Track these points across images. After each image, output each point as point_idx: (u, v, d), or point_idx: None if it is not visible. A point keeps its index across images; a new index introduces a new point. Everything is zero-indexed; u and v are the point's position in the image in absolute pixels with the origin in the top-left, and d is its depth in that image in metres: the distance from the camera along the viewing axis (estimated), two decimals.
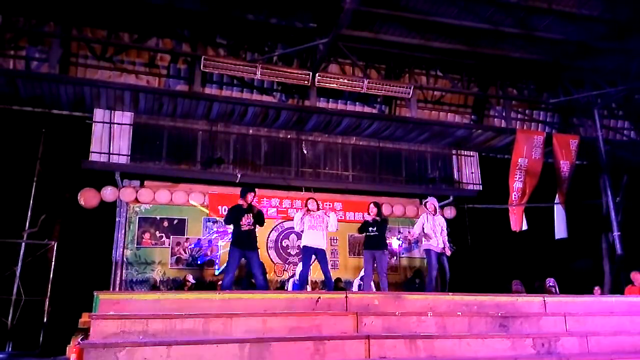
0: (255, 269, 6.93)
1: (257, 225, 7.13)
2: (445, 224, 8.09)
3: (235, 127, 10.80)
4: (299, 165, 11.13)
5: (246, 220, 6.97)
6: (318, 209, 7.71)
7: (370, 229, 7.86)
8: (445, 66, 11.68)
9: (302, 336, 4.87)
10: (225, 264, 7.92)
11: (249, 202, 7.11)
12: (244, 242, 6.95)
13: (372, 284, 8.39)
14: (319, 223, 7.60)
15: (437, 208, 8.15)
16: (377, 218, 7.91)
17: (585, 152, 11.91)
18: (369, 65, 11.33)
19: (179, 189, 10.48)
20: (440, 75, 11.90)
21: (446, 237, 7.92)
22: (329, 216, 7.74)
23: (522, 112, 12.83)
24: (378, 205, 8.07)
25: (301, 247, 7.72)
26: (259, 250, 7.15)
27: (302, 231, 7.66)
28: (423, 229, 7.90)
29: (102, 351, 4.19)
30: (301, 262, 7.86)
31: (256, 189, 7.48)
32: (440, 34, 10.03)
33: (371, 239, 7.85)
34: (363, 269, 8.44)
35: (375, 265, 7.81)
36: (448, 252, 7.87)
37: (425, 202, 8.34)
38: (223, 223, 8.86)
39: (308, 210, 7.63)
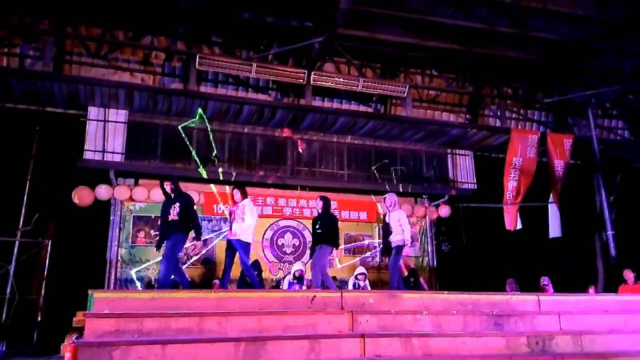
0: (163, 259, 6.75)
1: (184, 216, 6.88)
2: (403, 218, 7.70)
3: (230, 126, 10.79)
4: (295, 163, 11.13)
5: (173, 211, 6.85)
6: (243, 197, 7.31)
7: (316, 227, 7.49)
8: (441, 65, 11.71)
9: (297, 335, 4.87)
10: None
11: (169, 193, 7.06)
12: (166, 233, 6.84)
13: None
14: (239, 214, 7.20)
15: (395, 204, 7.84)
16: (321, 212, 7.55)
17: (579, 151, 11.96)
18: (364, 64, 11.34)
19: None
20: (436, 75, 11.93)
21: (409, 232, 7.57)
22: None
23: (517, 111, 12.89)
24: (324, 199, 7.67)
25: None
26: (180, 236, 6.79)
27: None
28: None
29: (97, 350, 4.17)
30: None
31: (177, 179, 7.32)
32: (436, 34, 10.05)
33: (315, 236, 7.50)
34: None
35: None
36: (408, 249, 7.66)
37: (384, 198, 8.09)
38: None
39: (234, 202, 7.35)
